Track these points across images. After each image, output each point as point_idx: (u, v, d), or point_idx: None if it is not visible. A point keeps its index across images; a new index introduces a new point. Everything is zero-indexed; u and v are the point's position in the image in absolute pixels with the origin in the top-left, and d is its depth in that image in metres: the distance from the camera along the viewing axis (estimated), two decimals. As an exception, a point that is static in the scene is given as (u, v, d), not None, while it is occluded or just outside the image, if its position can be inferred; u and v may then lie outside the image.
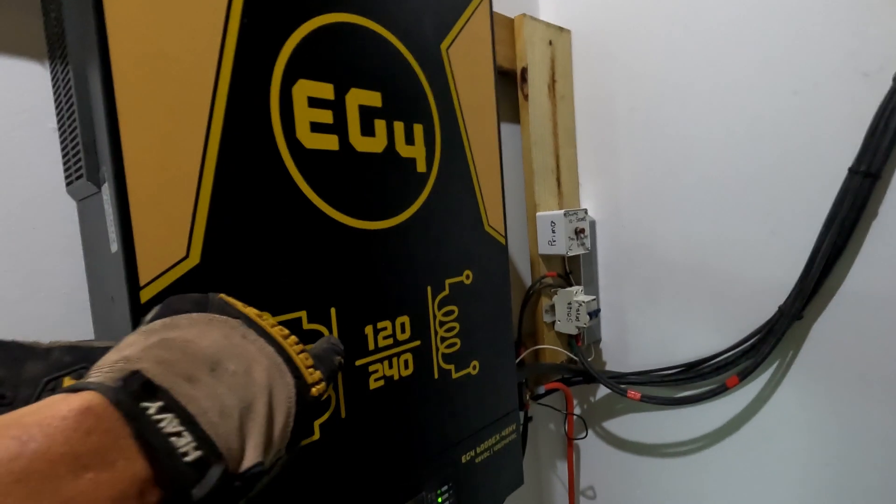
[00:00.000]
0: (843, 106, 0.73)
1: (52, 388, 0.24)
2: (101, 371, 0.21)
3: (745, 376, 0.81)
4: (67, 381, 0.24)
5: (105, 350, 0.24)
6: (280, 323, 0.42)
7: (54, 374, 0.25)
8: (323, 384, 0.30)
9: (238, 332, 0.27)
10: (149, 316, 0.27)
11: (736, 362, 0.84)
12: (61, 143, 0.44)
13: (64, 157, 0.44)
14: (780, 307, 0.79)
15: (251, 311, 0.29)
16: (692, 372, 0.90)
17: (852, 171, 0.71)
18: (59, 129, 0.44)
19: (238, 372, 0.25)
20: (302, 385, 0.28)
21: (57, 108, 0.44)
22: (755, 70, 0.80)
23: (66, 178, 0.44)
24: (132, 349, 0.23)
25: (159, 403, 0.20)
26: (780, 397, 0.84)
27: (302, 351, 0.29)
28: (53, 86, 0.45)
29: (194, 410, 0.22)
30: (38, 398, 0.23)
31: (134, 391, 0.20)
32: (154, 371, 0.22)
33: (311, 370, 0.29)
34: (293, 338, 0.30)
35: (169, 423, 0.20)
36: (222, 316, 0.27)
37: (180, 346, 0.24)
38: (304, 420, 0.28)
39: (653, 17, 0.91)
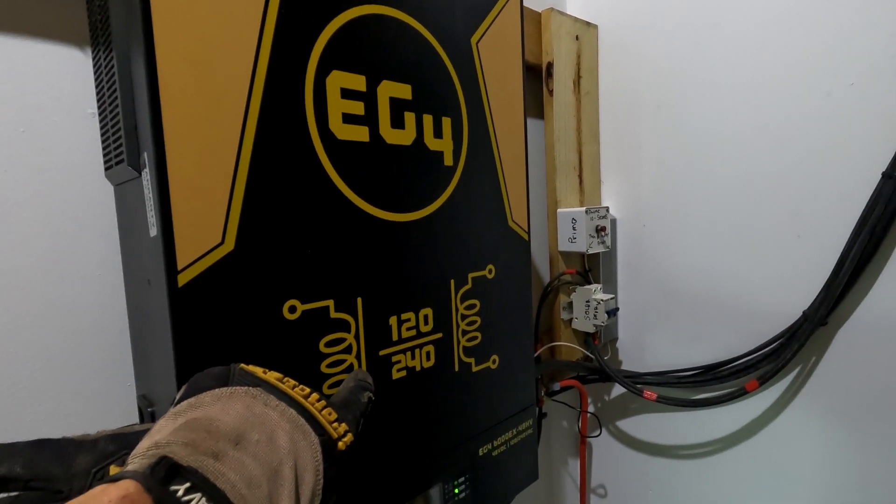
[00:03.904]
0: (879, 108, 0.71)
1: (101, 476, 0.26)
2: (136, 458, 0.23)
3: (765, 381, 0.80)
4: (113, 469, 0.26)
5: (144, 434, 0.26)
6: (308, 311, 0.43)
7: (101, 463, 0.27)
8: (350, 436, 0.30)
9: (260, 401, 0.28)
10: (177, 396, 0.28)
11: (756, 366, 0.83)
12: (101, 128, 0.45)
13: (104, 141, 0.45)
14: (804, 312, 0.78)
15: (272, 377, 0.30)
16: (710, 374, 0.89)
17: (886, 176, 0.69)
18: (100, 114, 0.45)
19: (262, 440, 0.26)
20: (327, 441, 0.29)
21: (98, 93, 0.45)
22: (787, 68, 0.78)
23: (105, 162, 0.45)
24: (161, 434, 0.24)
25: (187, 484, 0.22)
26: (800, 404, 0.83)
27: (325, 406, 0.30)
28: (95, 72, 0.46)
29: (223, 485, 0.23)
30: (90, 487, 0.25)
31: (163, 476, 0.22)
32: (181, 453, 0.23)
33: (335, 424, 0.30)
34: (315, 395, 0.30)
35: (198, 502, 0.22)
36: (243, 387, 0.28)
37: (205, 426, 0.25)
38: (334, 475, 0.28)
39: (681, 12, 0.89)
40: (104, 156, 0.45)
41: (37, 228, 0.49)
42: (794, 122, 0.78)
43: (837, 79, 0.74)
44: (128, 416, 0.52)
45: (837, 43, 0.74)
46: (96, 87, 0.46)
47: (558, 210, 0.93)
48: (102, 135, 0.45)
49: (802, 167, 0.78)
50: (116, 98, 0.39)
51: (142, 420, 0.46)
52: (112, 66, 0.39)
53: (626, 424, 1.06)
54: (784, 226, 0.81)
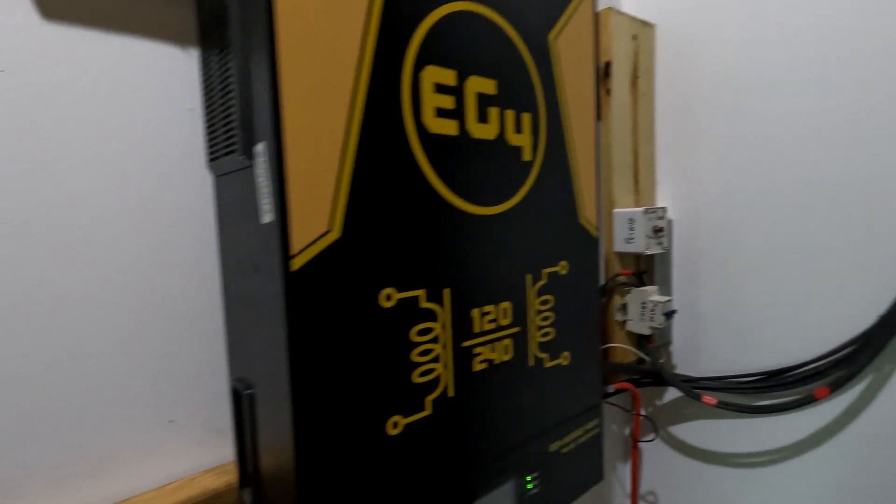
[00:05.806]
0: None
1: None
2: None
3: (836, 388, 0.77)
4: None
5: None
6: (402, 300, 0.44)
7: None
8: None
9: None
10: None
11: (824, 373, 0.80)
12: (208, 121, 0.47)
13: (210, 134, 0.47)
14: (880, 317, 0.75)
15: None
16: (773, 380, 0.86)
17: (974, 176, 0.66)
18: (207, 108, 0.47)
19: None
20: None
21: (207, 88, 0.47)
22: (855, 68, 0.76)
23: (211, 153, 0.47)
24: None
25: None
26: (871, 414, 0.80)
27: None
28: (203, 68, 0.48)
29: None
30: None
31: None
32: None
33: None
34: None
35: None
36: None
37: None
38: None
39: (741, 11, 0.87)
40: (210, 147, 0.48)
41: (138, 219, 0.51)
42: (864, 121, 0.76)
43: (917, 76, 0.71)
44: (217, 396, 0.54)
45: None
46: (204, 82, 0.48)
47: (614, 210, 0.93)
48: (209, 127, 0.47)
49: (875, 167, 0.75)
50: (230, 92, 0.41)
51: (235, 400, 0.48)
52: (226, 63, 0.42)
53: (679, 430, 1.03)
54: (855, 228, 0.78)
